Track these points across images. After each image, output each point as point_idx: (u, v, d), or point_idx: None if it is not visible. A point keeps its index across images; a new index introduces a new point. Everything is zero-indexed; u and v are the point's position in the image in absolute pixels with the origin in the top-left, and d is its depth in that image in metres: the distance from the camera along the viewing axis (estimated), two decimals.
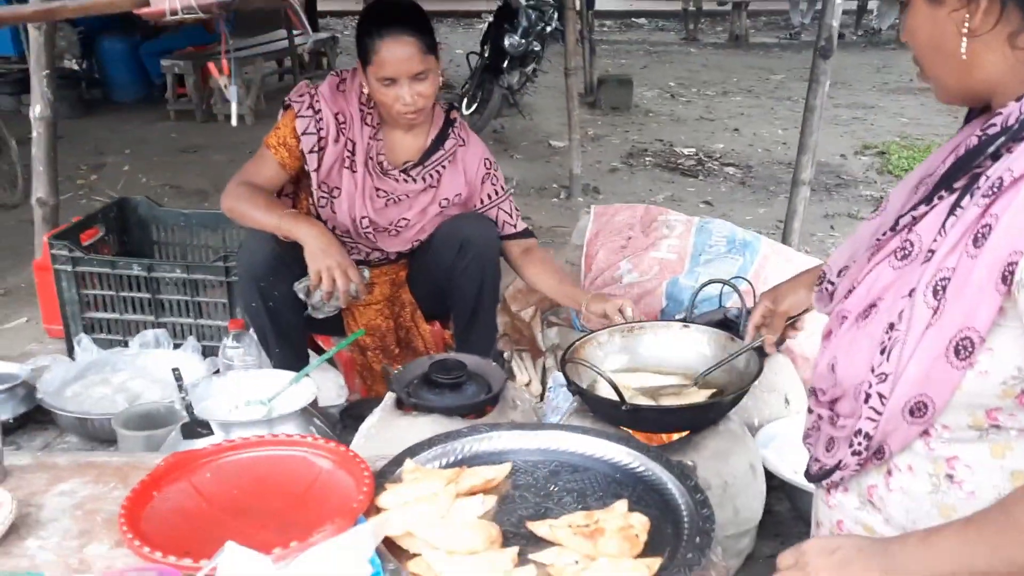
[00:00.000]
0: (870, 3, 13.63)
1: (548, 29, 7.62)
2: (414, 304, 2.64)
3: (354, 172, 2.43)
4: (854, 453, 1.15)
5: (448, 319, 2.73)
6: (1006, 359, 0.99)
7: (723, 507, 1.91)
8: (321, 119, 2.39)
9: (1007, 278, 0.96)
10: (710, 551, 1.27)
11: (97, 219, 3.10)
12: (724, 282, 2.19)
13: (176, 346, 2.78)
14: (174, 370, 2.09)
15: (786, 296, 1.73)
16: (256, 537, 1.27)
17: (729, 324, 2.24)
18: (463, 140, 2.54)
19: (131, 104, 8.24)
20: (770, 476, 2.13)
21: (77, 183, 6.03)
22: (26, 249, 3.96)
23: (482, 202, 2.57)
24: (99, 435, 2.42)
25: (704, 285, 2.25)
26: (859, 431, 1.12)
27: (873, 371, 1.08)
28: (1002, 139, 1.01)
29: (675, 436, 1.96)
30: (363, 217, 2.46)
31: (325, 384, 2.54)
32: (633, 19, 15.09)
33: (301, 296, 2.29)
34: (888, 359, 1.06)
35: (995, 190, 0.99)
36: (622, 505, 1.38)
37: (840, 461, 1.18)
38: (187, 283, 2.79)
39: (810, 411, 1.31)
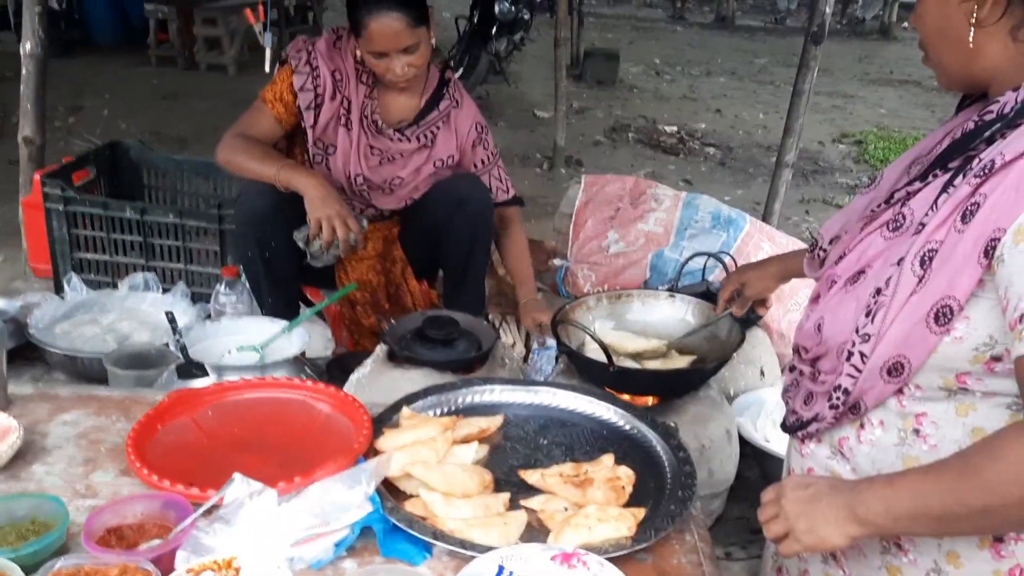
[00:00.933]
0: None
1: None
2: (405, 260, 2.68)
3: (349, 130, 2.45)
4: (831, 407, 1.22)
5: (436, 278, 2.78)
6: (980, 327, 1.06)
7: (699, 468, 1.96)
8: (318, 76, 2.40)
9: (989, 252, 1.02)
10: (691, 504, 1.34)
11: (89, 160, 3.09)
12: (711, 255, 2.26)
13: (165, 291, 2.79)
14: (168, 313, 2.11)
15: (754, 283, 1.85)
16: (260, 472, 1.31)
17: (711, 296, 2.32)
18: (457, 101, 2.57)
19: (111, 47, 8.11)
20: (743, 443, 2.22)
21: (55, 124, 5.94)
22: (2, 188, 3.92)
23: (475, 167, 2.60)
24: (89, 374, 2.44)
25: (691, 258, 2.32)
26: (839, 386, 1.19)
27: (857, 331, 1.15)
28: (997, 125, 1.08)
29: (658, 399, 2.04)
30: (357, 175, 2.49)
31: (313, 336, 2.57)
32: None
33: (300, 245, 2.31)
34: (872, 321, 1.12)
35: (986, 171, 1.04)
36: (609, 459, 1.45)
37: (817, 414, 1.26)
38: (179, 229, 2.80)
39: (792, 369, 1.38)
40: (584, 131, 6.92)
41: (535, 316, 2.45)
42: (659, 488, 1.40)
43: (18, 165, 3.44)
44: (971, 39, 1.11)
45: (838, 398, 1.20)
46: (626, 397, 1.84)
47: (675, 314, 2.11)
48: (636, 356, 2.04)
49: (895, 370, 1.13)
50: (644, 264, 2.80)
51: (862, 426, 1.23)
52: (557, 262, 2.98)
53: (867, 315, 1.13)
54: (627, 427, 1.56)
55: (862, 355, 1.14)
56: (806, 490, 1.11)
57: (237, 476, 1.27)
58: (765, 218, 3.81)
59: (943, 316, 1.07)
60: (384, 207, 2.60)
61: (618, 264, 2.82)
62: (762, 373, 2.48)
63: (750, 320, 2.29)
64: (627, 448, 1.51)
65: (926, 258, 1.08)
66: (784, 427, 1.39)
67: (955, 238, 1.06)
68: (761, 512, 1.17)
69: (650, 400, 1.99)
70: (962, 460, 1.01)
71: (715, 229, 2.82)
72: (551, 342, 2.31)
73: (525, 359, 2.57)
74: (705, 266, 2.51)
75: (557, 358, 2.36)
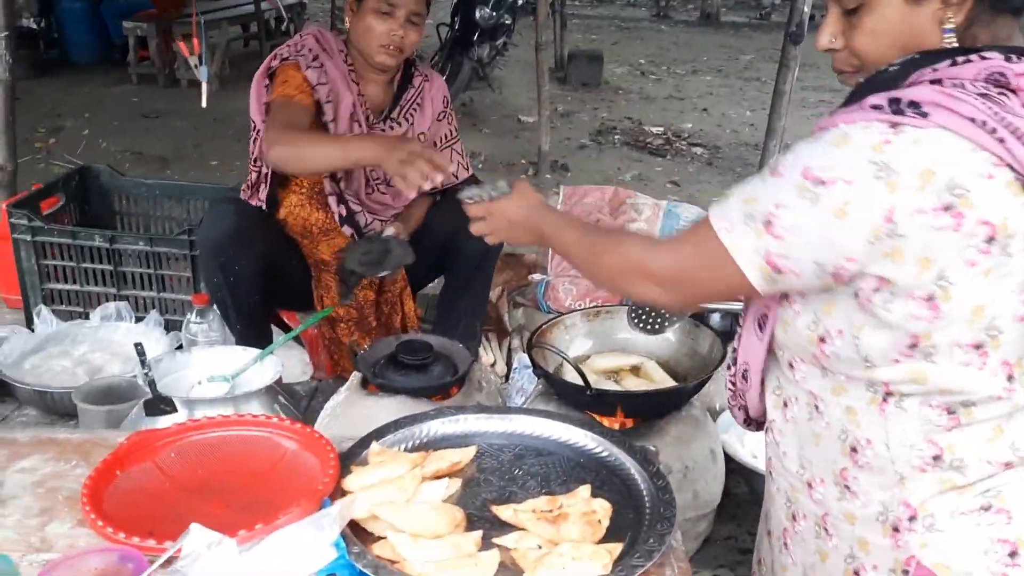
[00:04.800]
0: None
1: (519, 1, 7.56)
2: (406, 280, 2.64)
3: (361, 126, 2.45)
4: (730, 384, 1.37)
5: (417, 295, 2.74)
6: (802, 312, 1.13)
7: (683, 491, 1.95)
8: (325, 70, 2.37)
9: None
10: (670, 536, 1.29)
11: (58, 187, 3.03)
12: None
13: (138, 319, 2.74)
14: (136, 345, 2.07)
15: None
16: (221, 518, 1.27)
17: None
18: (427, 76, 2.61)
19: (91, 66, 8.04)
20: (729, 460, 2.17)
21: (35, 146, 5.90)
22: None
23: (438, 143, 2.59)
24: (59, 409, 2.40)
25: None
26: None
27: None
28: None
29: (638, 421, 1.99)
30: (372, 170, 2.50)
31: (289, 361, 2.54)
32: None
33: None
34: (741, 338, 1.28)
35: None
36: (585, 490, 1.40)
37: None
38: (150, 256, 2.75)
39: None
40: (569, 135, 6.89)
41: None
42: (637, 520, 1.34)
43: None
44: (950, 42, 1.08)
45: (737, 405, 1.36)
46: (606, 420, 1.80)
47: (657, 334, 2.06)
48: (613, 373, 1.99)
49: (743, 377, 1.29)
50: None
51: (785, 404, 1.25)
52: (537, 277, 2.94)
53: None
54: (604, 454, 1.51)
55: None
56: (504, 216, 1.46)
57: (194, 526, 1.22)
58: None
59: (763, 321, 1.22)
60: (397, 205, 2.59)
61: None
62: None
63: (731, 334, 2.25)
64: (604, 476, 1.46)
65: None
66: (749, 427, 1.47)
67: None
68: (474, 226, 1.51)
69: (630, 422, 1.95)
70: (602, 237, 1.35)
71: None
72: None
73: (506, 378, 2.53)
74: None
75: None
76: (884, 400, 1.11)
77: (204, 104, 2.40)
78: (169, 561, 1.18)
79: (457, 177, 2.55)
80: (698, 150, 6.75)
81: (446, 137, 2.63)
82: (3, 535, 1.31)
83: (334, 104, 2.38)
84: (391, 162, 1.93)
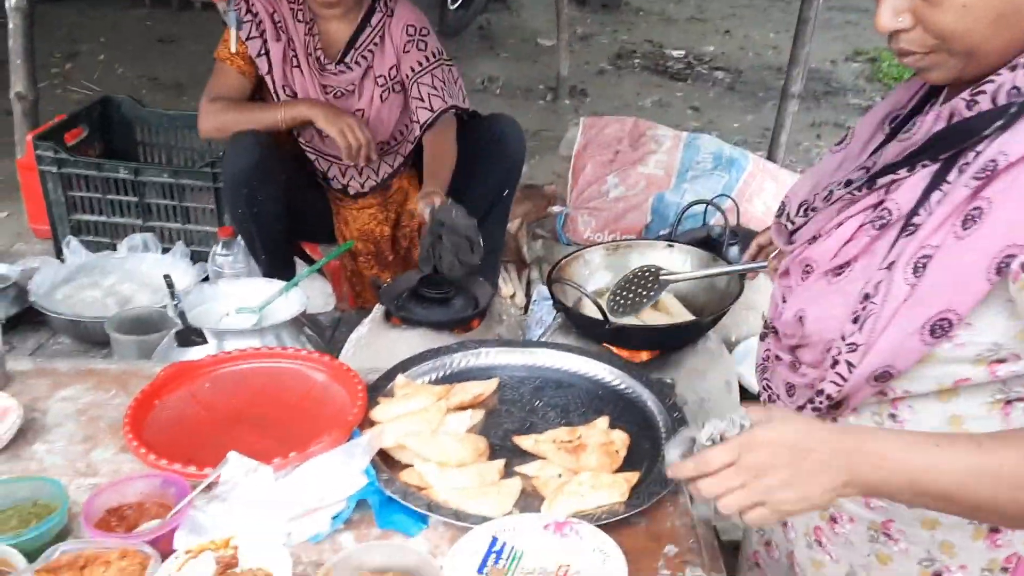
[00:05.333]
0: None
1: None
2: (422, 216, 2.64)
3: (302, 72, 2.43)
4: (814, 409, 1.14)
5: None
6: (985, 335, 0.99)
7: (698, 421, 1.99)
8: (260, 21, 2.39)
9: (1001, 269, 0.93)
10: None
11: (81, 118, 3.05)
12: (708, 203, 2.23)
13: (164, 251, 2.79)
14: (166, 277, 2.11)
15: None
16: (255, 446, 1.33)
17: (712, 242, 2.30)
18: (390, 10, 2.46)
19: None
20: (744, 391, 2.22)
21: (51, 72, 5.88)
22: (2, 141, 3.89)
23: (408, 75, 2.45)
24: (91, 337, 2.46)
25: (689, 206, 2.29)
26: (821, 391, 1.11)
27: (844, 339, 1.06)
28: (1000, 122, 0.96)
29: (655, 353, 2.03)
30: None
31: (313, 292, 2.59)
32: None
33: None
34: (861, 330, 1.04)
35: (988, 172, 0.95)
36: (603, 421, 1.45)
37: (799, 408, 1.17)
38: (174, 188, 2.78)
39: (764, 339, 1.31)
40: (589, 59, 6.76)
41: (430, 196, 2.23)
42: (653, 449, 1.40)
43: (12, 117, 3.41)
44: None
45: (820, 402, 1.13)
46: (624, 352, 1.84)
47: (673, 264, 2.09)
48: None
49: (882, 377, 1.05)
50: (645, 208, 2.77)
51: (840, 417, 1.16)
52: (556, 209, 2.95)
53: (855, 322, 1.05)
54: (622, 386, 1.56)
55: (849, 364, 1.06)
56: (785, 448, 0.91)
57: (232, 455, 1.29)
58: (771, 151, 3.74)
59: (940, 329, 0.98)
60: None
61: (618, 209, 2.78)
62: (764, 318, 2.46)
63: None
64: (622, 408, 1.51)
65: (919, 265, 0.99)
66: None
67: (955, 246, 0.97)
68: (714, 484, 0.93)
69: (647, 355, 1.99)
70: (985, 442, 0.92)
71: (717, 170, 2.77)
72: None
73: (525, 309, 2.57)
74: (706, 210, 2.48)
75: None
76: (1009, 403, 1.04)
77: (233, 49, 2.41)
78: (209, 487, 1.25)
79: (459, 103, 2.47)
80: (720, 74, 6.62)
81: (419, 66, 2.43)
82: (51, 461, 1.39)
83: (267, 54, 2.40)
84: (331, 125, 2.26)
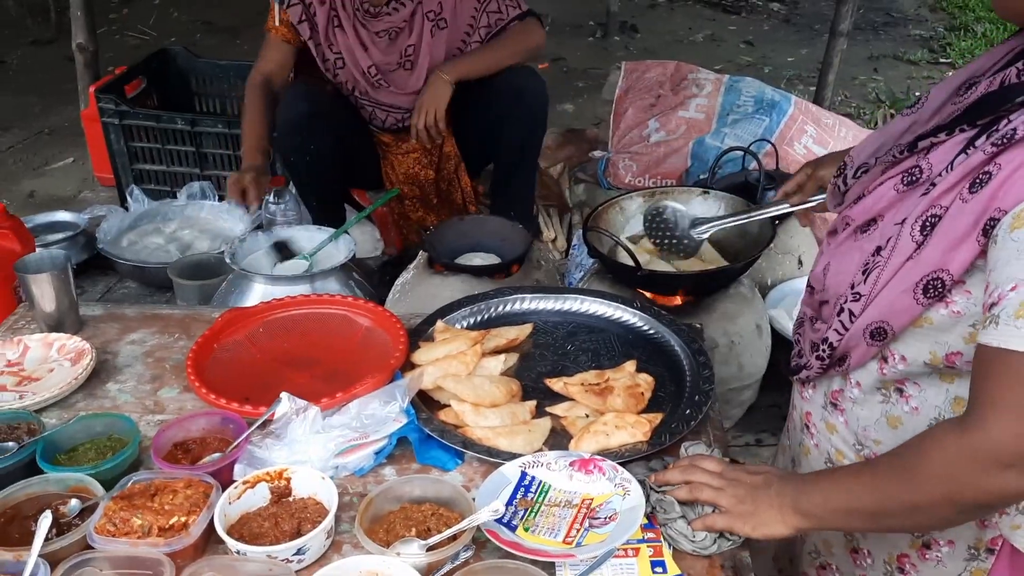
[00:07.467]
0: None
1: None
2: (459, 156, 2.71)
3: (344, 31, 2.48)
4: (818, 358, 1.20)
5: (482, 173, 2.81)
6: (980, 304, 0.98)
7: (728, 364, 2.05)
8: None
9: (987, 231, 0.95)
10: (707, 407, 1.40)
11: (139, 70, 3.16)
12: (744, 150, 2.23)
13: (221, 198, 2.90)
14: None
15: (827, 165, 1.61)
16: (305, 387, 1.44)
17: (751, 187, 2.31)
18: None
19: None
20: (777, 333, 2.26)
21: (110, 17, 6.00)
22: (66, 88, 4.02)
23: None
24: (155, 282, 2.61)
25: (725, 152, 2.29)
26: (825, 339, 1.17)
27: (852, 287, 1.10)
28: None
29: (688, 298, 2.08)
30: (369, 66, 2.52)
31: (362, 237, 2.67)
32: None
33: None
34: (866, 280, 1.08)
35: (1005, 140, 0.95)
36: (631, 365, 1.52)
37: (807, 362, 1.23)
38: (229, 137, 2.88)
39: (804, 302, 1.35)
40: None
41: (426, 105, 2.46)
42: (678, 392, 1.46)
43: (74, 64, 3.53)
44: None
45: (824, 351, 1.18)
46: (657, 298, 1.89)
47: (709, 211, 2.11)
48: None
49: (877, 334, 1.09)
50: (685, 152, 2.78)
51: (850, 380, 1.20)
52: (598, 153, 2.97)
53: (863, 272, 1.09)
54: (651, 331, 1.62)
55: (851, 313, 1.11)
56: (756, 476, 1.13)
57: (284, 395, 1.38)
58: (819, 91, 3.67)
59: (932, 288, 1.01)
60: (413, 90, 2.59)
61: (659, 153, 2.80)
62: (800, 262, 2.48)
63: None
64: (650, 352, 1.57)
65: (927, 223, 1.01)
66: (785, 369, 1.38)
67: (959, 208, 0.98)
68: (700, 476, 1.18)
69: (679, 300, 2.03)
70: (893, 458, 1.02)
71: (758, 114, 2.75)
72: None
73: (566, 253, 2.62)
74: (745, 155, 2.48)
75: None
76: None
77: (277, 22, 2.52)
78: (264, 424, 1.35)
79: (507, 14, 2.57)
80: (775, 6, 6.43)
81: None
82: (123, 399, 1.51)
83: (313, 19, 2.46)
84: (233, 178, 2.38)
